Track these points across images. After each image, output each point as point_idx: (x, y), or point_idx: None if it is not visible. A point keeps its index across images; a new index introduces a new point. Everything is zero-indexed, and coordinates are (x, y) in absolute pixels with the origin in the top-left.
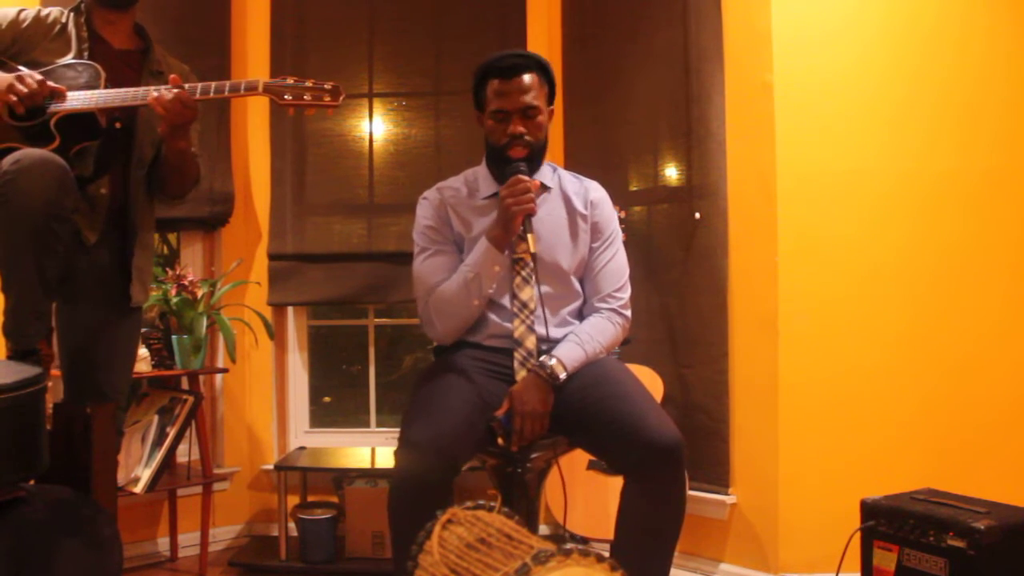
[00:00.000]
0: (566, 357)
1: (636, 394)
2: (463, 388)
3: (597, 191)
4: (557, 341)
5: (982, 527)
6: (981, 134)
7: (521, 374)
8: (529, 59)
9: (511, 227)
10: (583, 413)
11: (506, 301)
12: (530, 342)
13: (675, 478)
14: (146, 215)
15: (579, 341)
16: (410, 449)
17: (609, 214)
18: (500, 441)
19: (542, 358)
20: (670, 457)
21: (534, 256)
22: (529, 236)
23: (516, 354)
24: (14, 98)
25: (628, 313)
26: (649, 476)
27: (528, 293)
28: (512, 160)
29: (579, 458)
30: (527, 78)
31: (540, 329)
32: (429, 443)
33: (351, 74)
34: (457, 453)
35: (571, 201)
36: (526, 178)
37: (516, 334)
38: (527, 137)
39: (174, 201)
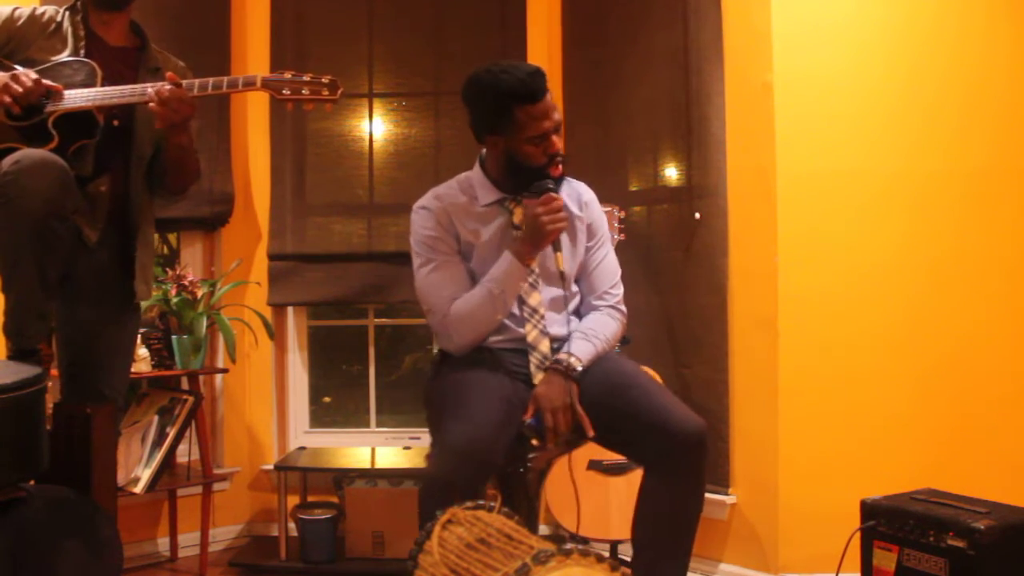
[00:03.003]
0: (578, 351)
1: (654, 387)
2: (492, 389)
3: (587, 192)
4: (565, 338)
5: (982, 527)
6: (975, 133)
7: (539, 376)
8: (542, 75)
9: (543, 244)
10: (604, 408)
11: (514, 307)
12: (544, 345)
13: (701, 466)
14: (146, 212)
15: (587, 336)
16: (449, 453)
17: (600, 213)
18: (535, 443)
19: (556, 356)
20: (698, 445)
21: (563, 273)
22: (557, 255)
23: (532, 358)
24: (8, 98)
25: (624, 309)
26: (676, 466)
27: (536, 299)
28: (554, 177)
29: (579, 458)
30: (548, 96)
31: (553, 330)
32: (468, 447)
33: (351, 74)
34: (494, 456)
35: (566, 205)
36: (557, 196)
37: (530, 338)
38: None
39: (174, 198)
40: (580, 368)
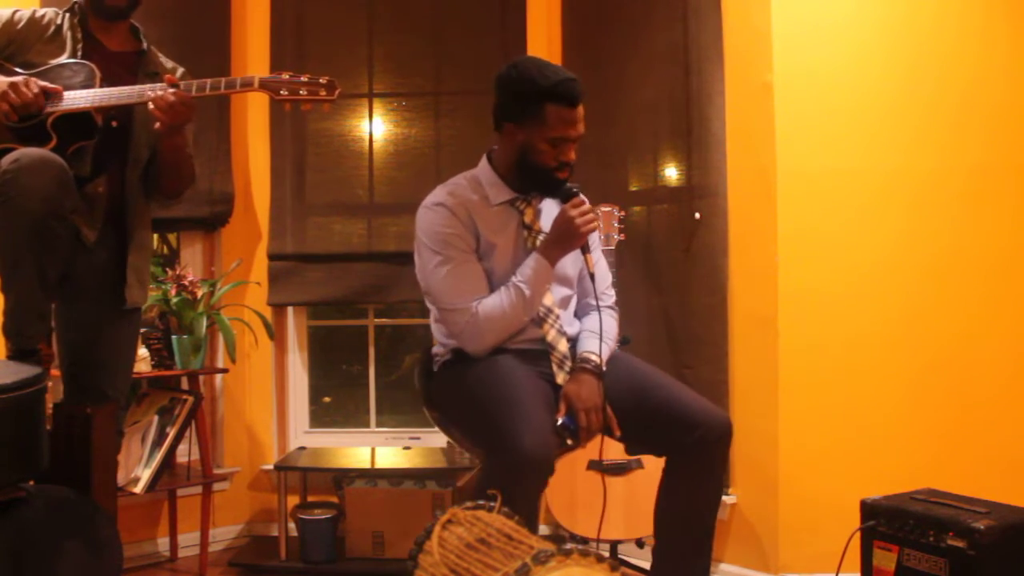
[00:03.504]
0: (598, 350)
1: (675, 383)
2: (534, 389)
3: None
4: (574, 338)
5: (982, 527)
6: (973, 131)
7: (561, 376)
8: (580, 84)
9: (574, 246)
10: (628, 406)
11: None
12: (562, 345)
13: (725, 458)
14: (142, 215)
15: (598, 336)
16: (520, 455)
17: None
18: (569, 442)
19: (580, 355)
20: (723, 437)
21: (592, 275)
22: (587, 256)
23: (552, 357)
24: (7, 107)
25: (617, 309)
26: (703, 458)
27: (550, 298)
28: (561, 181)
29: (579, 458)
30: (580, 108)
31: (567, 330)
32: (542, 450)
33: (351, 74)
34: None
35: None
36: (584, 199)
37: (548, 338)
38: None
39: (170, 201)
40: (604, 367)
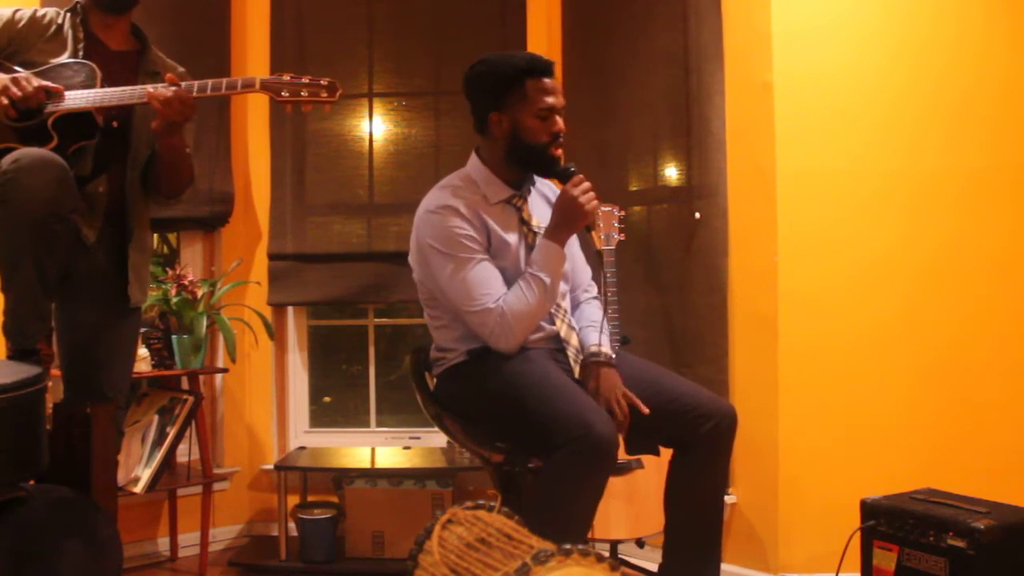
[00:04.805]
0: (603, 342)
1: (676, 375)
2: (574, 383)
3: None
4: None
5: (982, 527)
6: (971, 133)
7: (577, 370)
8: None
9: (579, 226)
10: (640, 400)
11: None
12: (574, 339)
13: (732, 446)
14: (142, 215)
15: (598, 328)
16: (603, 444)
17: None
18: None
19: (588, 349)
20: (732, 426)
21: (599, 253)
22: (593, 234)
23: (569, 352)
24: (6, 101)
25: None
26: (715, 445)
27: None
28: (556, 159)
29: None
30: (559, 81)
31: (575, 324)
32: (615, 438)
33: (351, 74)
34: None
35: (550, 200)
36: (583, 177)
37: (562, 333)
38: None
39: (169, 201)
40: (613, 356)
